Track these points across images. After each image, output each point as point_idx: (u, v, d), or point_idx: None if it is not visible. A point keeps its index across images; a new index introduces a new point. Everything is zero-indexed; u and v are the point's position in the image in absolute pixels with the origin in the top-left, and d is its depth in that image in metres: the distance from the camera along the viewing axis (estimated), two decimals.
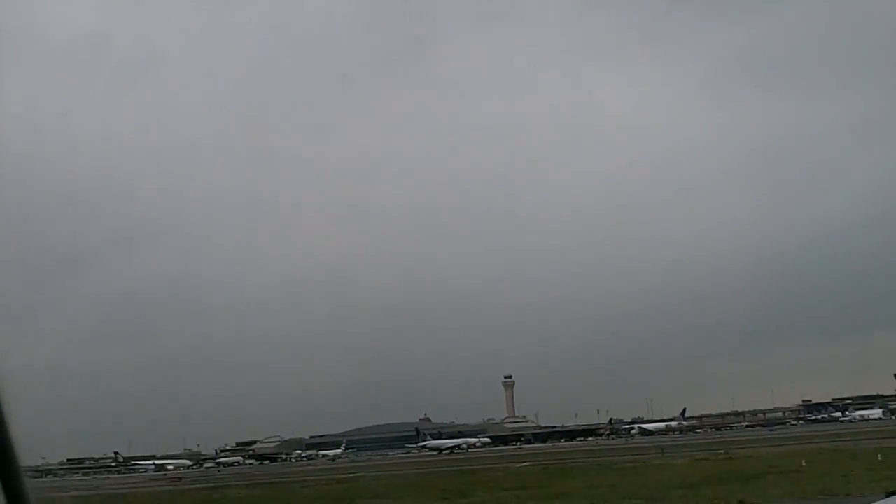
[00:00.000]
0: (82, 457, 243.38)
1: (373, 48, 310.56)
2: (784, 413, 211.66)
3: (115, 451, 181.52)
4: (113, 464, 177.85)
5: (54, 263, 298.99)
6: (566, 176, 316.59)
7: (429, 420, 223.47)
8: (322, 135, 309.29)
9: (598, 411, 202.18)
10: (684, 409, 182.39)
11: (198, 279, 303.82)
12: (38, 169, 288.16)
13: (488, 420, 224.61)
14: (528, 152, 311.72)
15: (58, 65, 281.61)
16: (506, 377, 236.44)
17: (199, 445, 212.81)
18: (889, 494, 5.39)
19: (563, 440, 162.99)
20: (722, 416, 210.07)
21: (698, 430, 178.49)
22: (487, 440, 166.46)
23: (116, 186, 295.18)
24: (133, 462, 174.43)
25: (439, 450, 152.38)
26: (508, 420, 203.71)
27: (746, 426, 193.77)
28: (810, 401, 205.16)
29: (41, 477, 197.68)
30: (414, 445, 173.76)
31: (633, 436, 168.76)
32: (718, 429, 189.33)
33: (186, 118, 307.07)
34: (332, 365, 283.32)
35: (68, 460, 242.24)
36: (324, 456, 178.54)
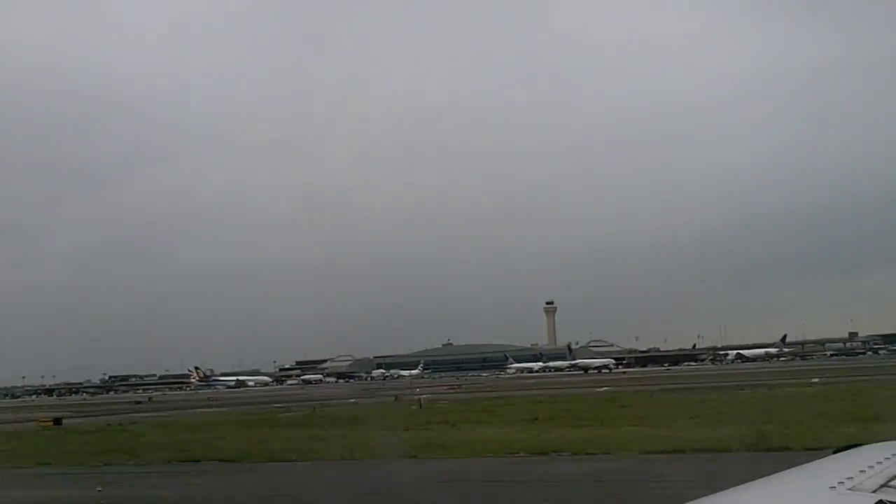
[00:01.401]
0: (127, 373, 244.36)
1: None
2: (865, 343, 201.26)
3: (196, 366, 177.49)
4: (192, 379, 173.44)
5: (66, 181, 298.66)
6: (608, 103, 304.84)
7: (451, 344, 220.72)
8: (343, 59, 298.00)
9: (700, 336, 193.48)
10: (784, 336, 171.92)
11: (216, 201, 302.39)
12: (53, 89, 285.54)
13: (533, 344, 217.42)
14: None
15: None
16: (547, 303, 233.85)
17: (275, 362, 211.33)
18: (837, 451, 5.33)
19: (666, 365, 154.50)
20: (801, 344, 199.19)
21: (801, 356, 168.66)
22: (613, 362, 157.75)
23: (130, 107, 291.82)
24: (214, 378, 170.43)
25: (585, 369, 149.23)
26: (593, 343, 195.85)
27: (831, 355, 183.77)
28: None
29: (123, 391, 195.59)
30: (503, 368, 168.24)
31: (730, 362, 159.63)
32: (803, 357, 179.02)
33: (202, 39, 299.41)
34: (351, 292, 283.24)
35: (111, 377, 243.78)
36: (399, 376, 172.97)
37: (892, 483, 3.97)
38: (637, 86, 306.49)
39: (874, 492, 3.75)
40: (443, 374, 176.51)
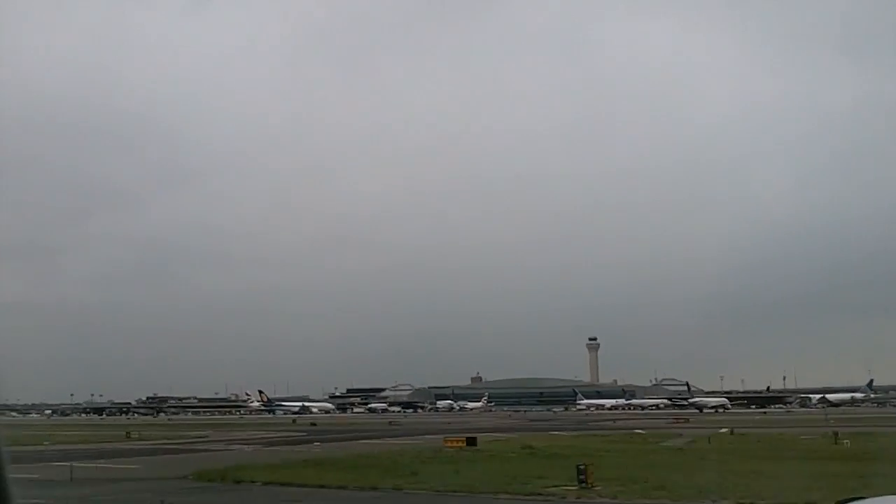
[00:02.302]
0: (165, 395, 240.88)
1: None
2: None
3: (260, 389, 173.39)
4: (255, 404, 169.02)
5: (93, 202, 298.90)
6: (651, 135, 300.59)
7: (480, 379, 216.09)
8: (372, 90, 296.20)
9: (785, 378, 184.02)
10: (871, 381, 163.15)
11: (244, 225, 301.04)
12: (84, 104, 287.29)
13: (576, 378, 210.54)
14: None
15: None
16: (590, 339, 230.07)
17: (336, 388, 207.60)
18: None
19: (752, 407, 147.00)
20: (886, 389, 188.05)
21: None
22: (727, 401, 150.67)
23: (160, 127, 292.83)
24: (277, 403, 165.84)
25: (700, 408, 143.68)
26: (666, 382, 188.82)
27: None
28: None
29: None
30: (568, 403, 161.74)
31: (815, 405, 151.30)
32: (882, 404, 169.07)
33: (239, 62, 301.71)
34: (374, 320, 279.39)
35: (148, 398, 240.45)
36: (462, 408, 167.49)
37: None
38: (668, 117, 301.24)
39: None
40: (504, 407, 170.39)
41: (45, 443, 57.48)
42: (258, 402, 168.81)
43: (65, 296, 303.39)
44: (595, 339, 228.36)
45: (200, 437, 70.55)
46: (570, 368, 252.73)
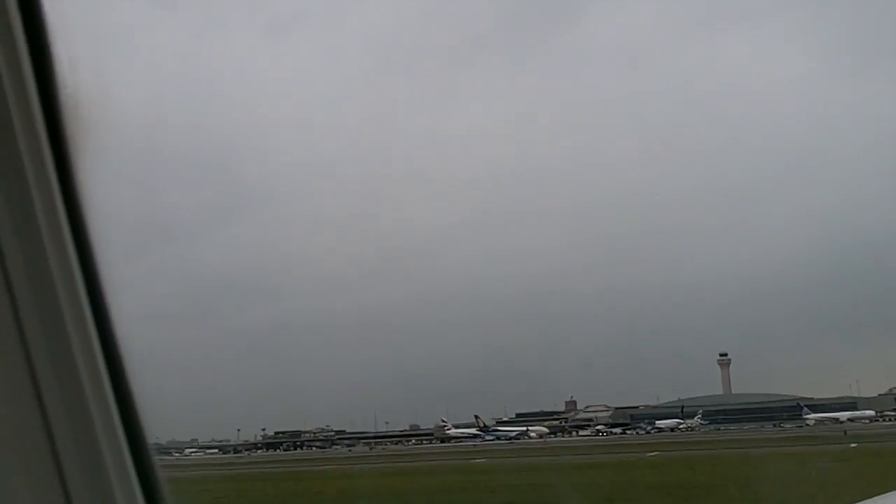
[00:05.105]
0: (299, 429, 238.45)
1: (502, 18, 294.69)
2: None
3: (476, 415, 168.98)
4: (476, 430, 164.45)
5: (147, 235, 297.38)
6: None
7: (574, 403, 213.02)
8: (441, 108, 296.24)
9: None
10: None
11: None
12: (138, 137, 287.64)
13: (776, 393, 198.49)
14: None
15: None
16: (721, 355, 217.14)
17: (516, 414, 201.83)
18: None
19: None
20: None
21: None
22: None
23: (215, 158, 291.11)
24: (494, 429, 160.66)
25: None
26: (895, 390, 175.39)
27: None
28: None
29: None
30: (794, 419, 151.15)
31: None
32: None
33: (290, 90, 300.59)
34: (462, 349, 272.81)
35: (276, 433, 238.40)
36: (659, 429, 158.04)
37: None
38: (735, 134, 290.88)
39: None
40: (718, 426, 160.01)
41: None
42: (451, 427, 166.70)
43: None
44: (726, 354, 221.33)
45: None
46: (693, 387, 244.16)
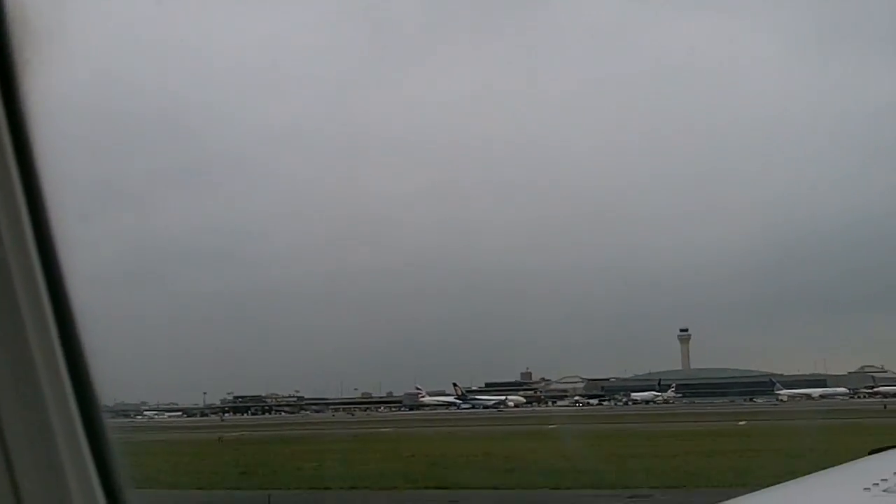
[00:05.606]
0: (265, 394, 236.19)
1: None
2: None
3: (454, 382, 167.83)
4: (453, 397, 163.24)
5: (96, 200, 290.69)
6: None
7: (530, 374, 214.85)
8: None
9: None
10: None
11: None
12: (94, 101, 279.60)
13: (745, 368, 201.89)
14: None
15: None
16: (682, 330, 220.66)
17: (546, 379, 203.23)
18: (873, 451, 5.65)
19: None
20: None
21: None
22: None
23: (173, 122, 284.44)
24: (472, 397, 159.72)
25: None
26: (867, 368, 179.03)
27: None
28: None
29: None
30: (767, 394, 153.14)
31: None
32: None
33: (256, 63, 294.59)
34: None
35: (236, 398, 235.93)
36: (634, 401, 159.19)
37: None
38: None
39: None
40: (693, 400, 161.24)
41: None
42: (425, 394, 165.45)
43: None
44: (686, 329, 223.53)
45: None
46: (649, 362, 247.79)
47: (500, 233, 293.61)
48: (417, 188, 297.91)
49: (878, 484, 3.92)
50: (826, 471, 4.92)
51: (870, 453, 5.51)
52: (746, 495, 4.03)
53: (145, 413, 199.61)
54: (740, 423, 65.67)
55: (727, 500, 4.07)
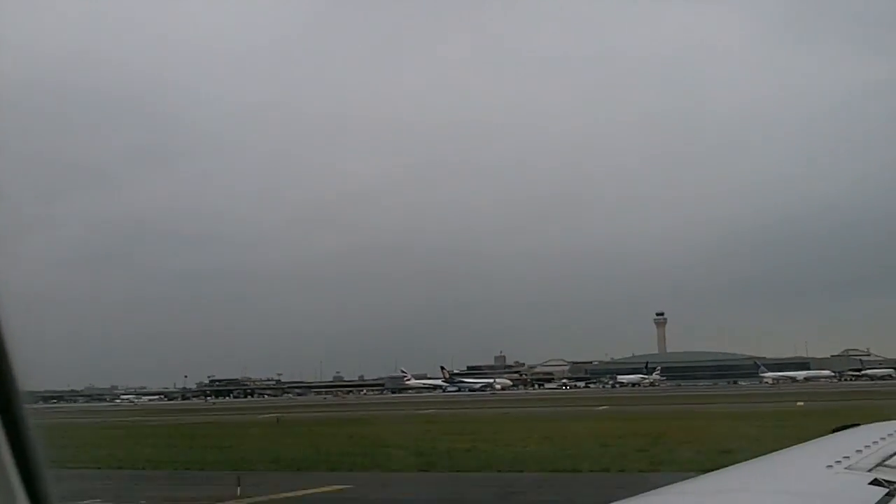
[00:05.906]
0: (246, 377, 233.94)
1: None
2: None
3: (442, 366, 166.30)
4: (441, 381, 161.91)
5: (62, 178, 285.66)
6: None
7: (504, 358, 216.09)
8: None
9: None
10: None
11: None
12: (56, 81, 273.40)
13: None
14: None
15: None
16: (658, 314, 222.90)
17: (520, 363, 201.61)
18: (836, 430, 5.74)
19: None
20: None
21: None
22: None
23: (138, 104, 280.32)
24: (460, 381, 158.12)
25: None
26: (852, 351, 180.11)
27: None
28: None
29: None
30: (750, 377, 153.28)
31: None
32: None
33: (221, 44, 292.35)
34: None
35: (212, 381, 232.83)
36: (621, 383, 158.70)
37: (888, 462, 4.09)
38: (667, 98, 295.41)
39: (870, 470, 3.84)
40: (679, 383, 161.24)
41: None
42: (410, 377, 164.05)
43: (28, 280, 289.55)
44: (662, 314, 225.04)
45: None
46: (625, 346, 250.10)
47: (477, 217, 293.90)
48: (395, 171, 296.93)
49: (840, 461, 3.96)
50: (789, 448, 4.92)
51: (833, 431, 5.58)
52: (709, 473, 3.98)
53: (122, 397, 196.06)
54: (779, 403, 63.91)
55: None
